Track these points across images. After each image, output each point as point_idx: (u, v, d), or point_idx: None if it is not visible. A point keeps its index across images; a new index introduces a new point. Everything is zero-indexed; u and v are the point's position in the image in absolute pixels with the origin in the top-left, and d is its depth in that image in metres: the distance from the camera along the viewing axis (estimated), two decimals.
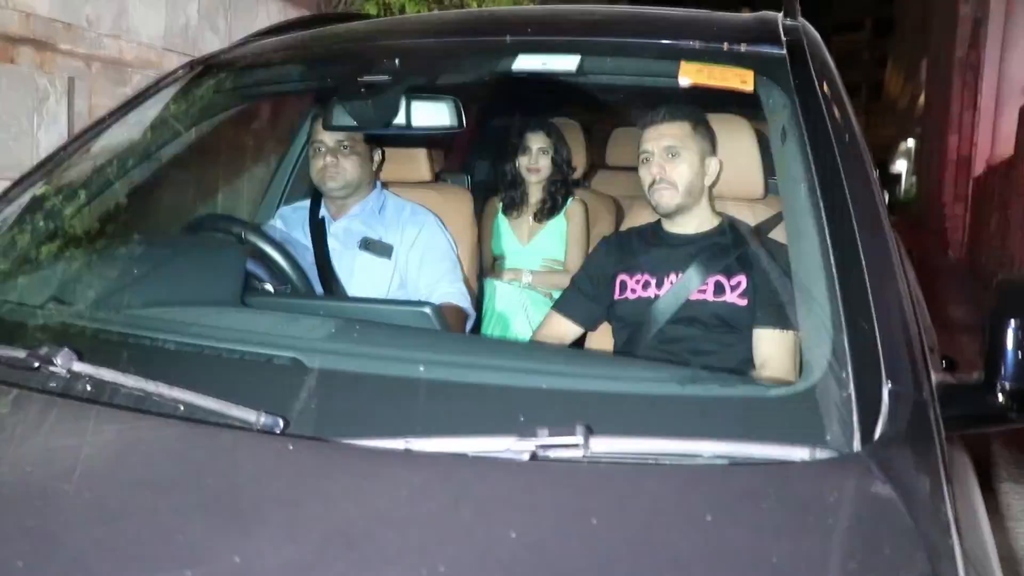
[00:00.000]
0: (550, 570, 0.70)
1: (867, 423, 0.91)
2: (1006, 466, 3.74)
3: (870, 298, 1.03)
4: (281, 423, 0.96)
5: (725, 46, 1.49)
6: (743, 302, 1.99)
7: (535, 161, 3.20)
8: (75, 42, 2.94)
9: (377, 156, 2.33)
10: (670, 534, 0.74)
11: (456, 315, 2.16)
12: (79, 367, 1.09)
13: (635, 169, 2.18)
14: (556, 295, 3.13)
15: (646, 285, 2.09)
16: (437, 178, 2.58)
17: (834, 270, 1.07)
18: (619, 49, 1.54)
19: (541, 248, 3.27)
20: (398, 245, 2.23)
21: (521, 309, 2.83)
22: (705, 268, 2.04)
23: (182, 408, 1.01)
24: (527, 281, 3.19)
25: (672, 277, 2.06)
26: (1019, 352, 1.07)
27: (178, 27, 3.39)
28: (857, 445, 0.89)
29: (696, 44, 1.50)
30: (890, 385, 0.94)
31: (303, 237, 2.30)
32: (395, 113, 1.59)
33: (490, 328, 2.73)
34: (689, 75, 1.39)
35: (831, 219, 1.14)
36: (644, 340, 2.06)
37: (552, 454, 0.86)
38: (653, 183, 2.08)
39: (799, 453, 0.87)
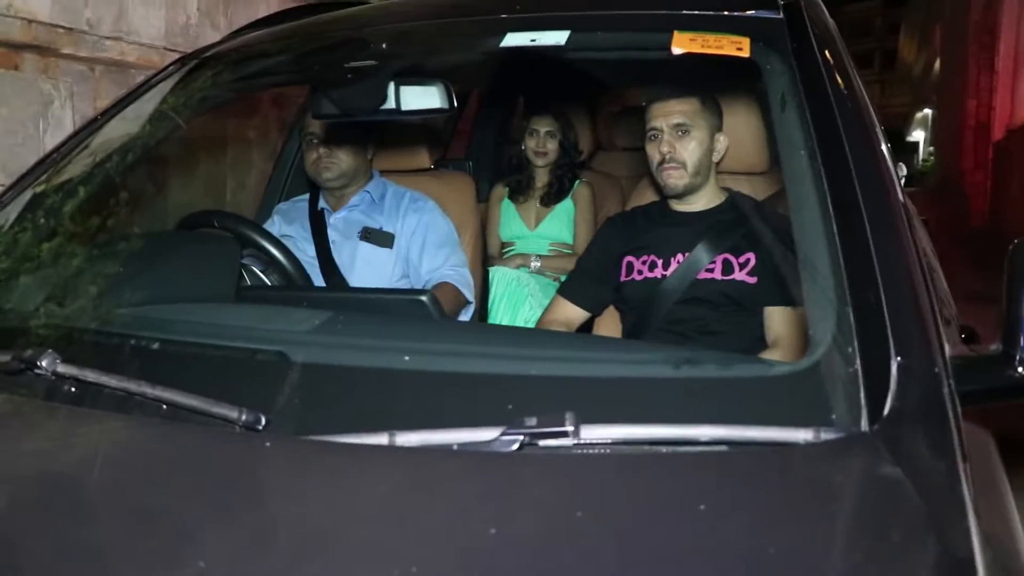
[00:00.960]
0: (532, 568, 0.66)
1: (875, 400, 0.86)
2: None
3: (876, 268, 0.98)
4: (263, 419, 0.92)
5: (720, 12, 1.44)
6: (752, 280, 1.94)
7: (542, 145, 3.16)
8: (77, 46, 2.93)
9: (372, 148, 2.30)
10: (665, 526, 0.70)
11: (452, 297, 2.11)
12: (63, 369, 1.07)
13: (638, 150, 2.12)
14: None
15: (652, 266, 2.04)
16: (438, 165, 2.53)
17: (837, 240, 1.02)
18: (612, 21, 1.49)
19: (549, 232, 3.23)
20: (399, 233, 2.19)
21: (528, 295, 2.78)
22: (713, 246, 1.99)
23: (164, 407, 0.98)
24: (535, 266, 3.15)
25: (679, 257, 2.01)
26: None
27: (179, 26, 3.38)
28: (865, 424, 0.84)
29: (690, 12, 1.44)
30: (899, 359, 0.89)
31: (303, 230, 2.27)
32: (383, 99, 1.55)
33: (497, 315, 2.69)
34: (682, 45, 1.33)
35: (833, 188, 1.08)
36: (652, 322, 2.02)
37: (541, 443, 0.82)
38: (662, 162, 2.02)
39: (803, 435, 0.82)
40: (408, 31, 1.71)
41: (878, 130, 1.45)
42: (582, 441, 0.81)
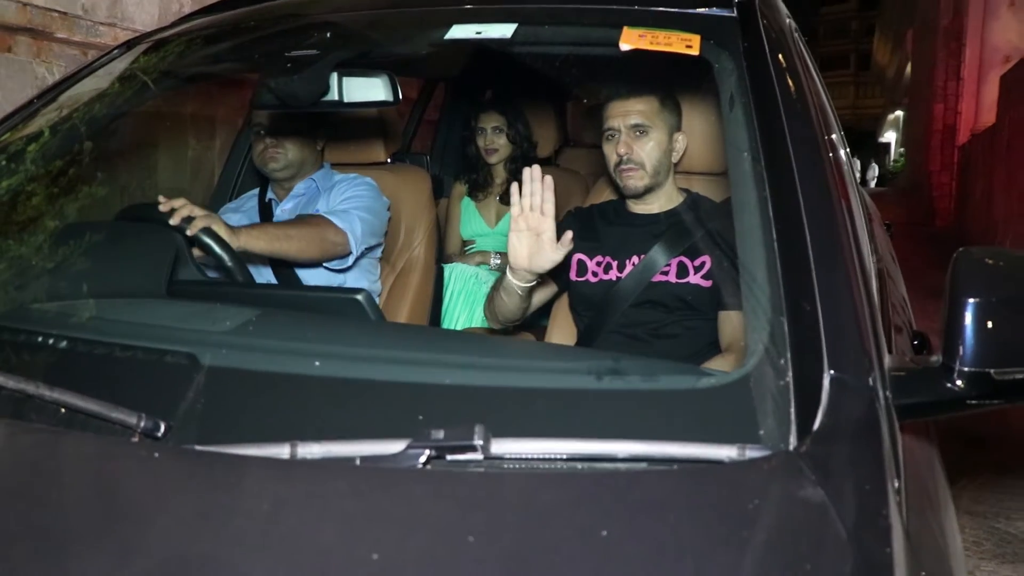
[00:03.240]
0: None
1: (805, 416, 0.82)
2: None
3: (814, 278, 0.94)
4: (163, 427, 0.87)
5: (674, 9, 1.40)
6: (707, 283, 1.90)
7: (491, 141, 3.11)
8: (71, 30, 2.93)
9: (321, 140, 2.23)
10: (558, 552, 0.65)
11: (314, 229, 1.95)
12: None
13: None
14: None
15: (607, 268, 1.99)
16: (395, 159, 2.46)
17: (776, 247, 0.98)
18: (562, 15, 1.45)
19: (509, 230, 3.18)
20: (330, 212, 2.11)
21: (485, 293, 2.73)
22: (668, 249, 1.95)
23: (64, 411, 0.93)
24: (495, 263, 3.10)
25: (634, 259, 1.97)
26: (978, 333, 0.98)
27: (171, 13, 3.36)
28: (793, 441, 0.80)
29: (643, 8, 1.40)
30: (832, 372, 0.85)
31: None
32: (326, 90, 1.49)
33: (454, 313, 2.64)
34: (631, 41, 1.29)
35: (775, 193, 1.04)
36: (606, 325, 1.98)
37: (449, 458, 0.77)
38: (620, 163, 1.97)
39: (726, 452, 0.78)
40: (352, 21, 1.65)
41: (835, 135, 1.41)
42: (492, 456, 0.77)
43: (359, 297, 1.33)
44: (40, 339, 1.09)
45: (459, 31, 1.40)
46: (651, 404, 0.85)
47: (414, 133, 3.48)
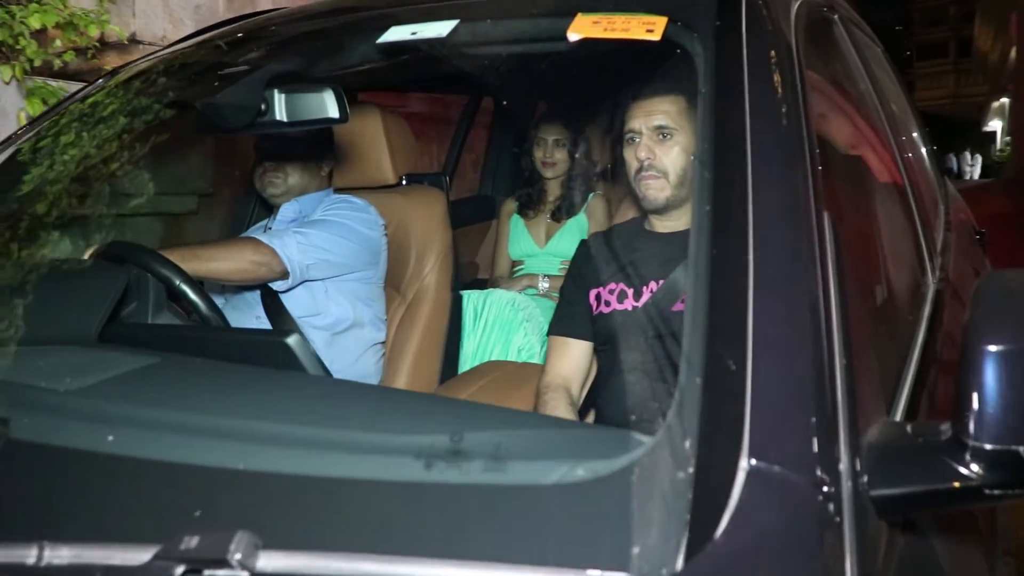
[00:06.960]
0: None
1: (701, 526, 0.58)
2: None
3: (749, 325, 0.70)
4: None
5: None
6: None
7: (550, 154, 2.91)
8: None
9: (327, 163, 2.08)
10: None
11: (238, 247, 1.79)
12: None
13: None
14: None
15: (621, 296, 1.75)
16: (411, 180, 2.29)
17: (706, 283, 0.74)
18: (509, 9, 1.25)
19: (559, 249, 2.97)
20: None
21: (524, 320, 2.52)
22: None
23: None
24: (544, 287, 2.90)
25: (652, 285, 1.72)
26: (1003, 394, 0.72)
27: None
28: (679, 565, 0.56)
29: None
30: (753, 461, 0.61)
31: None
32: (264, 107, 1.35)
33: (488, 342, 2.44)
34: (582, 29, 1.07)
35: (718, 209, 0.80)
36: (622, 361, 1.74)
37: (205, 573, 0.58)
38: (640, 170, 1.72)
39: None
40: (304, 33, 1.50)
41: (911, 133, 1.14)
42: (258, 573, 0.57)
43: (290, 341, 1.17)
44: None
45: (395, 33, 1.22)
46: (488, 505, 0.63)
47: (459, 152, 3.32)
